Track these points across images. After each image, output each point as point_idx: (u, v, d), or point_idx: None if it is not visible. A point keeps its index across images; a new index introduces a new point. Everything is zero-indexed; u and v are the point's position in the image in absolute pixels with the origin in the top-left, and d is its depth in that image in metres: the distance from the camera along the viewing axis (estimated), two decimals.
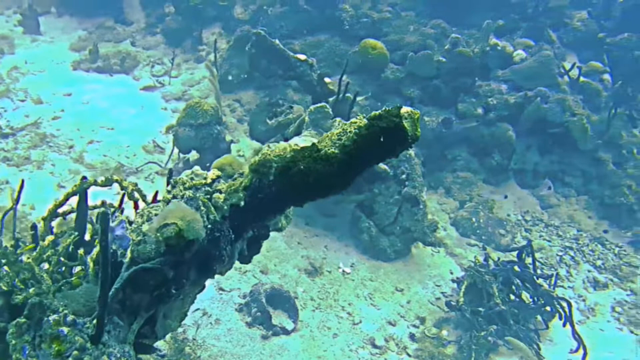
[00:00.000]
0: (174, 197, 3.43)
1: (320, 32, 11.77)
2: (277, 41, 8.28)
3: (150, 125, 9.73)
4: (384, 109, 3.18)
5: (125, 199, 4.03)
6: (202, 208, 3.35)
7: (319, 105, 7.05)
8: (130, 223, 3.42)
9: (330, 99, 8.72)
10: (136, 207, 3.93)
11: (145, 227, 3.23)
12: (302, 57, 8.52)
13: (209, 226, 3.38)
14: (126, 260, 3.22)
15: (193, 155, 8.56)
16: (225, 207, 3.43)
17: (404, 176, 8.51)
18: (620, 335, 8.31)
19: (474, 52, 10.45)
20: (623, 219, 10.21)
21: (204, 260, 3.44)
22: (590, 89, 10.69)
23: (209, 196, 3.45)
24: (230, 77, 10.80)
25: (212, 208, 3.40)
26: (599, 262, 9.46)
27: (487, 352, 7.10)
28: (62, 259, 3.46)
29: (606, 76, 10.97)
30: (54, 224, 3.93)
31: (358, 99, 8.33)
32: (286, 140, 8.71)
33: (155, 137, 9.34)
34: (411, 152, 8.80)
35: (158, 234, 3.08)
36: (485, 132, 10.24)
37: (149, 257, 3.20)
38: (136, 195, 3.94)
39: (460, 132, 10.23)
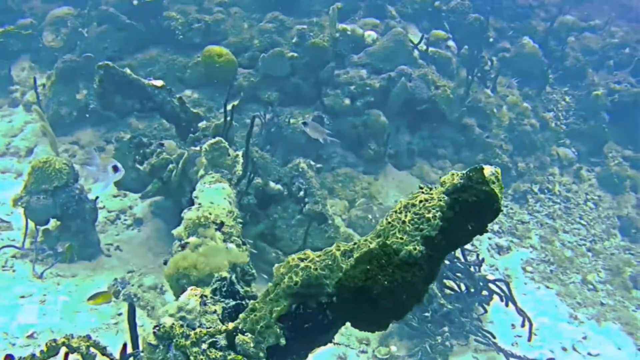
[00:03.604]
0: None
1: (151, 47, 10.38)
2: (128, 70, 6.93)
3: None
4: (462, 174, 2.40)
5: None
6: None
7: (213, 141, 5.96)
8: None
9: (201, 124, 7.62)
10: None
11: None
12: (159, 83, 7.25)
13: None
14: None
15: (52, 224, 6.99)
16: (262, 354, 2.42)
17: (301, 193, 7.74)
18: (540, 294, 8.45)
19: (325, 41, 9.88)
20: (502, 178, 10.41)
21: None
22: (441, 58, 10.68)
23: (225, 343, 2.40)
24: (61, 117, 9.15)
25: None
26: (495, 227, 9.56)
27: (446, 357, 6.72)
28: None
29: (451, 43, 11.05)
30: None
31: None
32: (165, 184, 7.46)
33: None
34: (303, 164, 8.03)
35: None
36: (357, 122, 9.78)
37: None
38: (92, 350, 2.73)
39: (331, 128, 9.63)
